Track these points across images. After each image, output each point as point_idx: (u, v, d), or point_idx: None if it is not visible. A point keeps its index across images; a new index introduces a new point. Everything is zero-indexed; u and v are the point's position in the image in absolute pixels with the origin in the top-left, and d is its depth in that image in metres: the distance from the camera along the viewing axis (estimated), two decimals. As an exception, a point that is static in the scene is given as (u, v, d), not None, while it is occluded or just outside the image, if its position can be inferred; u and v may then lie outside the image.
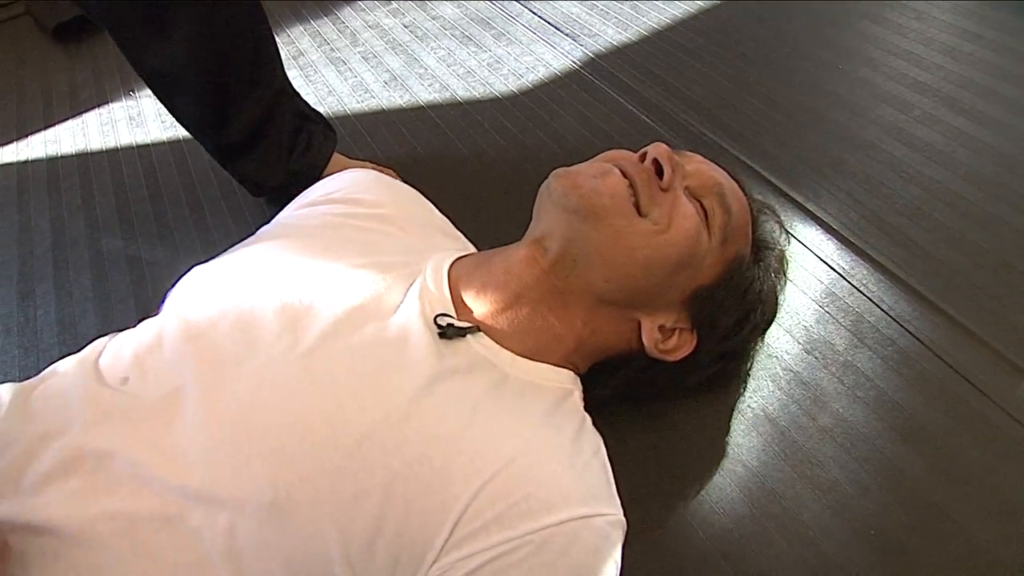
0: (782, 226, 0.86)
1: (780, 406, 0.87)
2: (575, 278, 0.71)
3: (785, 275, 0.88)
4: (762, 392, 0.89)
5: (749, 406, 0.88)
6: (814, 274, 1.01)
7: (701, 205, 0.73)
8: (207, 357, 0.62)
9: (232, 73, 1.04)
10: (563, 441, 0.65)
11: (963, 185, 1.10)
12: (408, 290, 0.70)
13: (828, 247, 1.04)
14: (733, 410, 0.88)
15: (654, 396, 0.86)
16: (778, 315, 0.95)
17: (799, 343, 0.93)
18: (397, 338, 0.64)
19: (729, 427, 0.86)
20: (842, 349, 0.92)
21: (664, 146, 0.72)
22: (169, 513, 0.55)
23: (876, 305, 0.96)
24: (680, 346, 0.76)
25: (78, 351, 0.70)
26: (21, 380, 1.03)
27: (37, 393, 0.64)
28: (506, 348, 0.70)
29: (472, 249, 0.87)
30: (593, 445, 0.69)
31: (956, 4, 1.48)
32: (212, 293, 0.70)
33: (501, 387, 0.66)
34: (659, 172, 0.71)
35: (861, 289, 0.98)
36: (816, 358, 0.91)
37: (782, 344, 0.93)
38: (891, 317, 0.94)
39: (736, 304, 0.78)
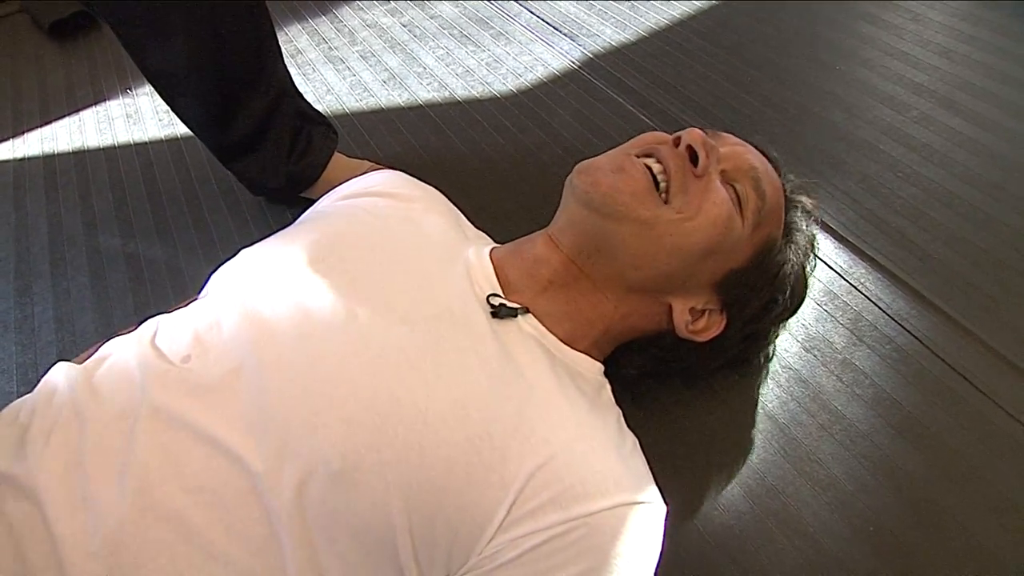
0: (816, 208, 0.85)
1: (779, 403, 0.88)
2: (601, 266, 0.72)
3: (816, 257, 0.87)
4: (761, 390, 0.89)
5: (748, 403, 0.88)
6: (813, 273, 1.01)
7: (735, 190, 0.73)
8: (268, 336, 0.63)
9: (233, 74, 1.04)
10: (610, 431, 0.67)
11: (960, 185, 1.11)
12: (459, 272, 0.71)
13: (826, 246, 1.05)
14: (733, 407, 0.88)
15: (679, 375, 0.87)
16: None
17: (798, 341, 0.94)
18: (455, 317, 0.66)
19: (729, 424, 0.87)
20: (841, 347, 0.92)
21: (699, 131, 0.72)
22: (240, 485, 0.56)
23: (874, 304, 0.96)
24: (709, 327, 0.77)
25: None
26: (18, 377, 1.04)
27: (101, 374, 0.64)
28: (550, 331, 0.71)
29: (490, 242, 0.88)
30: (632, 438, 0.70)
31: (952, 6, 1.49)
32: (265, 273, 0.71)
33: (554, 368, 0.67)
34: (693, 158, 0.71)
35: (859, 288, 0.99)
36: (815, 356, 0.92)
37: (781, 342, 0.94)
38: (889, 316, 0.95)
39: (766, 286, 0.78)
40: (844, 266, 1.02)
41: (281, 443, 0.57)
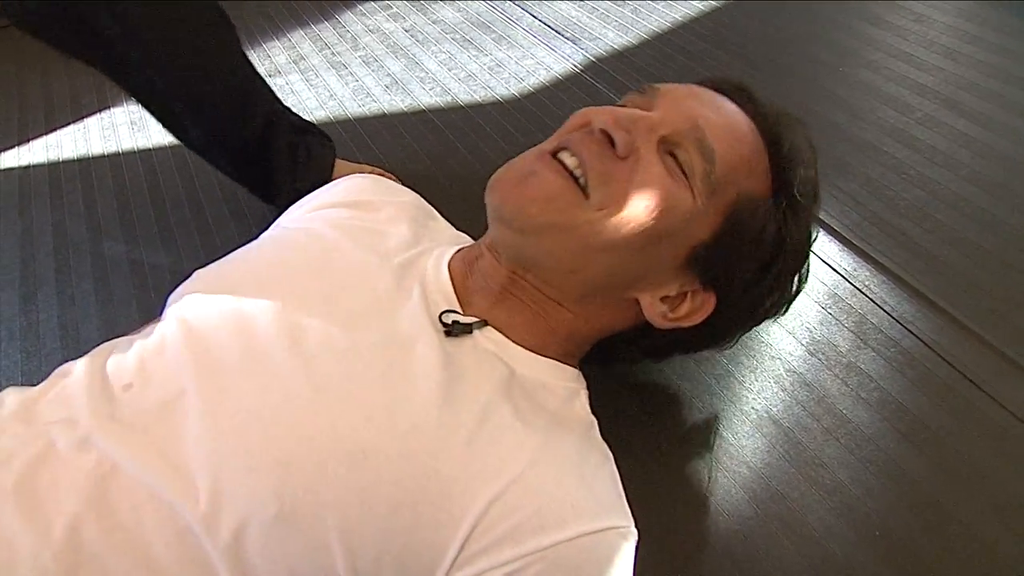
0: (811, 146, 0.72)
1: (784, 407, 0.87)
2: (541, 278, 0.68)
3: (818, 199, 0.74)
4: (766, 394, 0.89)
5: (753, 408, 0.88)
6: (817, 276, 1.01)
7: (675, 159, 0.64)
8: (208, 364, 0.61)
9: (214, 106, 1.06)
10: (571, 450, 0.63)
11: (965, 186, 1.10)
12: (413, 289, 0.68)
13: (831, 249, 1.04)
14: (737, 411, 0.88)
15: (700, 349, 0.82)
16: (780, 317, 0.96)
17: (802, 345, 0.93)
18: (403, 342, 0.62)
19: (733, 428, 0.86)
20: (845, 351, 0.92)
21: (610, 110, 0.65)
22: (172, 527, 0.54)
23: (879, 307, 0.96)
24: (696, 309, 0.70)
25: (81, 355, 0.70)
26: (23, 384, 1.04)
27: (43, 402, 0.63)
28: (513, 341, 0.67)
29: (463, 236, 0.85)
30: (601, 452, 0.67)
31: (956, 6, 1.49)
32: (213, 298, 0.68)
33: (510, 386, 0.63)
34: (612, 140, 0.63)
35: (864, 291, 0.98)
36: (820, 359, 0.92)
37: (785, 346, 0.93)
38: (894, 318, 0.94)
39: (750, 252, 0.69)
40: (848, 269, 1.01)
41: (216, 484, 0.54)
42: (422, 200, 0.89)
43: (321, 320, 0.63)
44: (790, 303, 0.77)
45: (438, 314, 0.65)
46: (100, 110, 1.61)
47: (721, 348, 0.83)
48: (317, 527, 0.54)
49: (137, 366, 0.63)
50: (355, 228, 0.77)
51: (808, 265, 0.75)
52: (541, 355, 0.69)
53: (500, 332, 0.67)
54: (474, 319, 0.66)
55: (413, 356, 0.61)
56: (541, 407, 0.64)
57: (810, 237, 0.74)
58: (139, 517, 0.54)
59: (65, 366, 0.68)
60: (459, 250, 0.75)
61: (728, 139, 0.66)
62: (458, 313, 0.67)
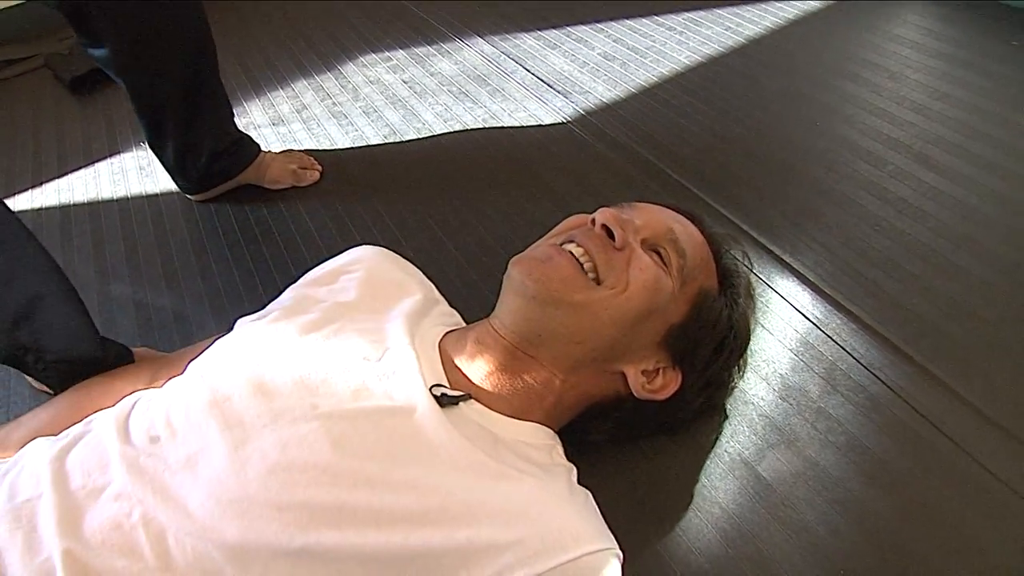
0: (746, 255, 0.93)
1: (756, 451, 0.91)
2: (545, 349, 0.78)
3: (754, 299, 0.94)
4: (738, 437, 0.93)
5: (726, 450, 0.92)
6: (790, 324, 1.06)
7: (658, 254, 0.81)
8: (232, 421, 0.68)
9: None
10: (562, 489, 0.73)
11: (933, 238, 1.15)
12: (407, 363, 0.75)
13: (803, 298, 1.09)
14: (711, 454, 0.92)
15: (650, 433, 0.91)
16: (754, 363, 1.00)
17: (774, 390, 0.98)
18: (404, 407, 0.70)
19: (707, 470, 0.90)
20: (815, 396, 0.96)
21: (610, 210, 0.80)
22: (205, 568, 0.60)
23: (848, 354, 1.00)
24: (667, 384, 0.83)
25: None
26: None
27: (74, 452, 0.70)
28: (494, 410, 0.76)
29: (455, 315, 0.95)
30: (583, 492, 0.76)
31: (927, 66, 1.56)
32: (234, 363, 0.76)
33: (496, 447, 0.73)
34: (612, 235, 0.79)
35: (834, 338, 1.03)
36: (791, 404, 0.96)
37: (758, 391, 0.97)
38: (863, 365, 0.99)
39: (709, 334, 0.84)
40: (820, 317, 1.06)
41: (245, 527, 0.61)
42: (410, 266, 0.97)
43: (332, 386, 0.72)
44: (733, 389, 0.95)
45: (429, 387, 0.73)
46: (110, 155, 1.67)
47: (676, 431, 0.93)
48: (340, 558, 0.61)
49: (163, 422, 0.71)
50: (362, 302, 0.86)
51: (747, 356, 0.93)
52: (521, 419, 0.78)
53: (483, 403, 0.76)
54: (460, 392, 0.75)
55: (413, 421, 0.69)
56: (528, 459, 0.74)
57: (749, 327, 0.91)
58: (167, 553, 0.60)
59: (88, 419, 0.76)
60: (449, 331, 0.85)
61: (692, 244, 0.84)
62: (445, 387, 0.75)
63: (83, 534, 0.62)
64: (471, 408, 0.75)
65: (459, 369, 0.79)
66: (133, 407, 0.75)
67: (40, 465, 0.68)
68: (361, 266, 0.93)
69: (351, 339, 0.78)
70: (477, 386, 0.77)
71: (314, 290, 0.91)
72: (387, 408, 0.70)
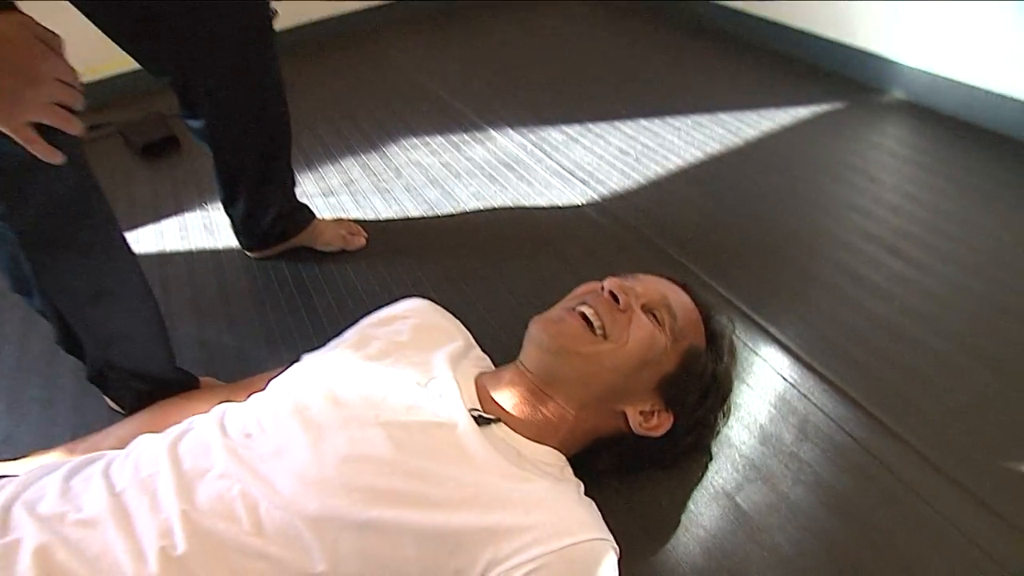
0: (732, 321, 1.11)
1: (736, 485, 1.07)
2: (559, 388, 0.96)
3: (735, 357, 1.10)
4: (722, 473, 1.09)
5: (711, 483, 1.07)
6: (770, 384, 1.23)
7: (654, 316, 0.98)
8: (311, 424, 0.86)
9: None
10: (572, 492, 0.90)
11: (898, 316, 1.33)
12: (451, 390, 0.93)
13: (782, 361, 1.26)
14: (697, 486, 1.08)
15: (647, 466, 1.07)
16: (738, 414, 1.17)
17: (754, 436, 1.14)
18: (448, 423, 0.88)
19: (694, 499, 1.06)
20: (789, 442, 1.12)
21: (616, 279, 0.99)
22: (289, 533, 0.77)
23: (819, 409, 1.17)
24: (661, 423, 0.99)
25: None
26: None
27: (184, 443, 0.88)
28: (518, 433, 0.94)
29: (486, 359, 1.13)
30: (589, 500, 0.91)
31: (900, 170, 1.78)
32: (311, 381, 0.95)
33: (520, 460, 0.90)
34: (616, 298, 0.97)
35: (808, 396, 1.19)
36: (768, 448, 1.12)
37: (741, 436, 1.14)
38: (831, 419, 1.15)
39: (696, 383, 1.01)
40: (796, 378, 1.23)
41: (323, 502, 0.78)
42: (452, 317, 1.16)
43: (390, 400, 0.90)
44: (718, 433, 1.12)
45: (469, 409, 0.91)
46: (176, 214, 1.88)
47: (668, 467, 1.09)
48: (397, 531, 0.78)
49: (254, 423, 0.89)
50: (414, 340, 1.05)
51: (730, 403, 1.10)
52: (539, 443, 0.95)
53: (510, 427, 0.94)
54: (492, 416, 0.93)
55: (455, 433, 0.87)
56: (544, 471, 0.91)
57: (731, 379, 1.08)
58: (259, 521, 0.77)
59: (190, 419, 0.94)
60: (483, 372, 1.04)
61: (683, 309, 1.02)
62: (480, 411, 0.93)
63: (195, 500, 0.78)
64: (500, 429, 0.92)
65: (492, 399, 0.97)
66: (224, 413, 0.92)
67: (158, 450, 0.86)
68: (413, 314, 1.12)
69: (405, 369, 0.96)
70: (506, 413, 0.95)
71: (373, 330, 1.09)
72: (434, 422, 0.88)
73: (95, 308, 1.08)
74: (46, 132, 0.82)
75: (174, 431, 0.91)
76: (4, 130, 0.80)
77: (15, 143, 0.81)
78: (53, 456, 1.11)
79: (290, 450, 0.83)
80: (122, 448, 0.92)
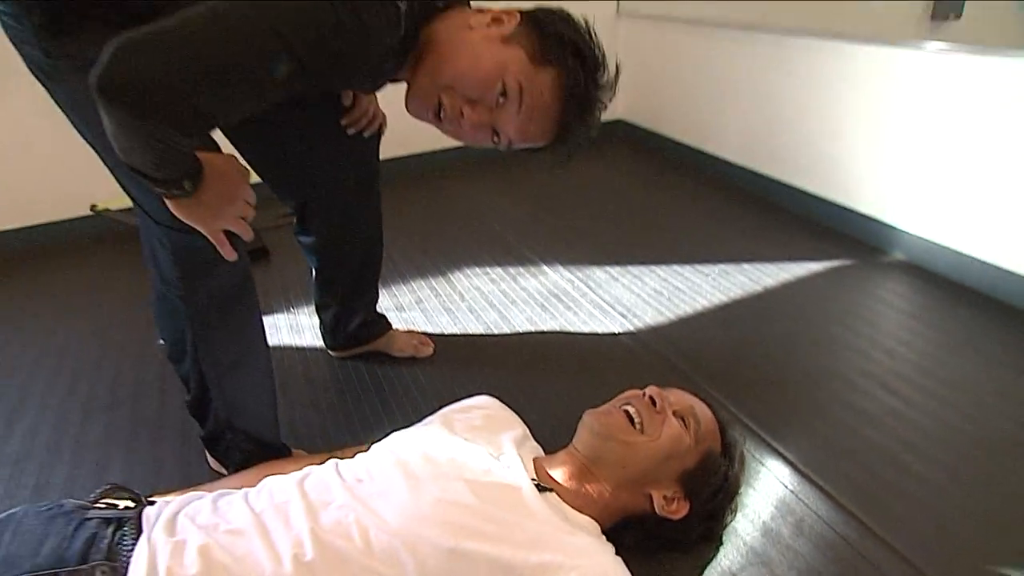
0: (743, 435, 1.37)
1: (740, 567, 1.27)
2: (602, 468, 1.21)
3: (744, 464, 1.35)
4: (729, 556, 1.30)
5: (720, 564, 1.28)
6: (773, 489, 1.45)
7: (683, 420, 1.24)
8: (409, 475, 1.11)
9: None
10: (608, 550, 1.12)
11: (887, 441, 1.55)
12: (516, 462, 1.18)
13: (784, 472, 1.49)
14: (708, 567, 1.28)
15: (666, 546, 1.28)
16: (744, 511, 1.39)
17: (757, 529, 1.35)
18: (515, 486, 1.13)
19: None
20: (787, 536, 1.33)
21: (656, 388, 1.27)
22: (391, 553, 1.01)
23: (814, 512, 1.38)
24: (680, 508, 1.22)
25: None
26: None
27: (308, 481, 1.13)
28: (566, 502, 1.17)
29: (540, 449, 1.37)
30: (622, 562, 1.12)
31: (896, 320, 2.04)
32: (408, 444, 1.21)
33: (567, 521, 1.13)
34: (654, 403, 1.24)
35: (805, 501, 1.41)
36: (768, 540, 1.33)
37: (746, 529, 1.35)
38: (824, 521, 1.36)
39: (711, 480, 1.24)
40: (796, 486, 1.45)
41: (417, 530, 1.01)
42: (511, 411, 1.42)
43: (469, 463, 1.15)
44: (726, 526, 1.33)
45: (530, 478, 1.16)
46: (267, 314, 2.17)
47: (684, 550, 1.30)
48: (475, 559, 1.01)
49: (364, 471, 1.15)
50: (486, 426, 1.32)
51: (738, 501, 1.34)
52: (581, 512, 1.18)
53: (559, 497, 1.17)
54: (547, 486, 1.18)
55: (520, 494, 1.12)
56: (585, 531, 1.14)
57: (739, 482, 1.33)
58: (369, 541, 1.02)
59: (308, 468, 1.19)
60: (539, 456, 1.29)
61: (706, 419, 1.28)
62: (537, 481, 1.18)
63: (320, 522, 1.03)
64: (553, 497, 1.16)
65: (548, 474, 1.22)
66: (338, 464, 1.18)
67: (288, 485, 1.12)
68: (485, 406, 1.40)
69: (481, 445, 1.22)
70: (558, 485, 1.20)
71: (454, 415, 1.36)
72: (505, 483, 1.13)
73: (233, 377, 1.37)
74: (228, 236, 1.10)
75: (298, 474, 1.17)
76: (205, 232, 1.07)
77: (207, 242, 1.08)
78: (194, 491, 1.36)
79: (394, 491, 1.08)
80: (250, 487, 1.18)
